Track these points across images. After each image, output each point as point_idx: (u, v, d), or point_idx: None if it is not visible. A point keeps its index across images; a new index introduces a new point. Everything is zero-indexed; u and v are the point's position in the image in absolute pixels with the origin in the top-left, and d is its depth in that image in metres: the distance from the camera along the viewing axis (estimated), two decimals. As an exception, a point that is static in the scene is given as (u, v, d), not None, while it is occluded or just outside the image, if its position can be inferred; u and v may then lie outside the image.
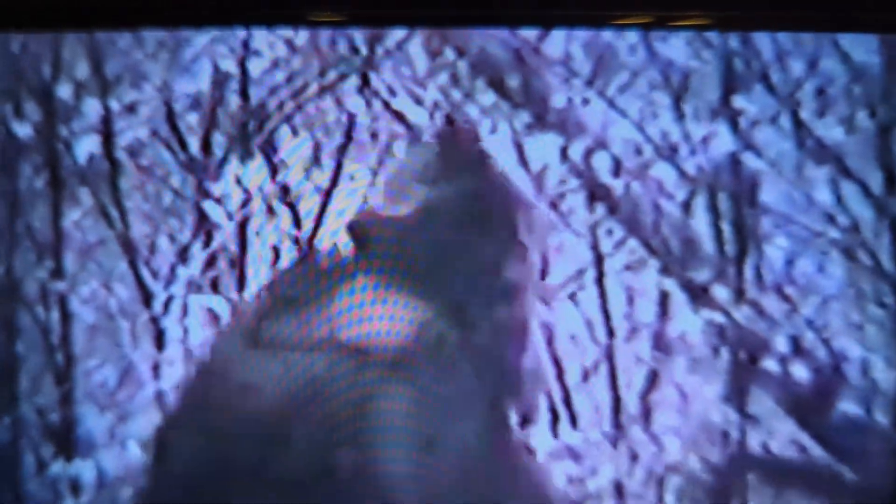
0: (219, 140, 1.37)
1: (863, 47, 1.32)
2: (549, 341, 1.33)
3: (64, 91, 1.38)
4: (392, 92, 1.35)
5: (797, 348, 1.32)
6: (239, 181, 1.36)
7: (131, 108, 1.38)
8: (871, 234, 1.32)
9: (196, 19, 1.34)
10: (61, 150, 1.38)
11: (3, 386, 1.37)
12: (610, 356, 1.32)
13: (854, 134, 1.32)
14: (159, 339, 1.37)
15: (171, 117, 1.37)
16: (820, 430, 1.31)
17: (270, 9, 1.34)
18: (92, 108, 1.38)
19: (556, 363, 1.33)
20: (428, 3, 1.31)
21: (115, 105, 1.38)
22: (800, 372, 1.32)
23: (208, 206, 1.36)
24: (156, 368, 1.37)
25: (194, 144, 1.37)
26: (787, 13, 1.30)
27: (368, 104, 1.35)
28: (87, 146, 1.38)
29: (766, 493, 1.31)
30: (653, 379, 1.32)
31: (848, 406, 1.31)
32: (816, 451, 1.31)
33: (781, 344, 1.32)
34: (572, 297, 1.33)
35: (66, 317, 1.38)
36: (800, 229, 1.32)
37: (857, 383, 1.31)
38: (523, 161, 1.33)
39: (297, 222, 1.35)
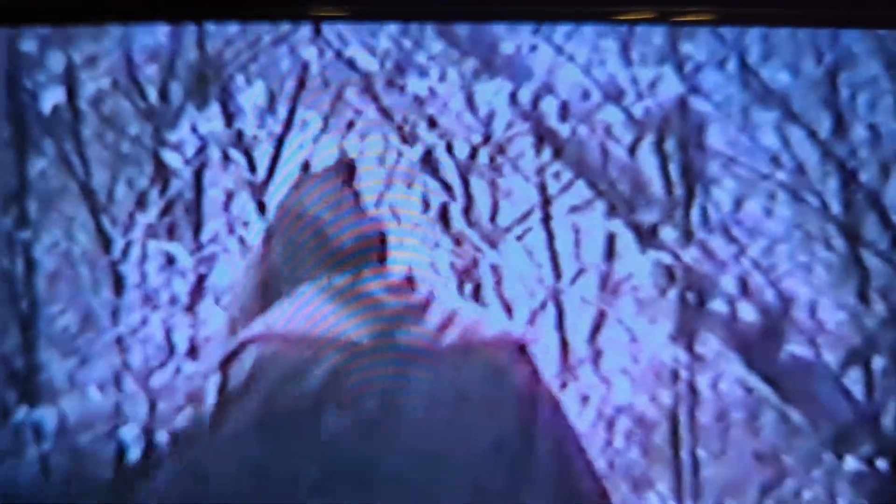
0: (176, 90, 1.39)
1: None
2: (498, 283, 1.34)
3: (29, 45, 1.41)
4: (343, 41, 1.37)
5: (745, 289, 1.32)
6: (195, 129, 1.38)
7: (92, 60, 1.41)
8: (817, 177, 1.33)
9: (199, 14, 1.37)
10: (27, 102, 1.41)
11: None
12: (557, 297, 1.33)
13: (800, 78, 1.33)
14: (118, 285, 1.39)
15: (130, 68, 1.40)
16: (767, 370, 1.31)
17: (273, 4, 1.36)
18: (56, 60, 1.41)
19: (505, 305, 1.34)
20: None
21: (77, 57, 1.41)
22: (747, 313, 1.32)
23: (165, 153, 1.39)
24: (115, 314, 1.39)
25: (153, 94, 1.40)
26: (787, 9, 1.31)
27: (321, 53, 1.37)
28: (51, 97, 1.41)
29: (714, 433, 1.32)
30: (600, 320, 1.33)
31: (795, 347, 1.32)
32: (764, 391, 1.31)
33: (729, 285, 1.32)
34: (520, 238, 1.34)
35: (30, 264, 1.41)
36: (746, 171, 1.33)
37: (804, 324, 1.32)
38: (472, 106, 1.35)
39: (251, 168, 1.38)
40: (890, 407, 1.30)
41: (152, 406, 1.38)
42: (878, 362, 1.31)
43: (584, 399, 1.33)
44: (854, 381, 1.31)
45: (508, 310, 1.34)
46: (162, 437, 1.36)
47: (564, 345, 1.33)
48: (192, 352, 1.38)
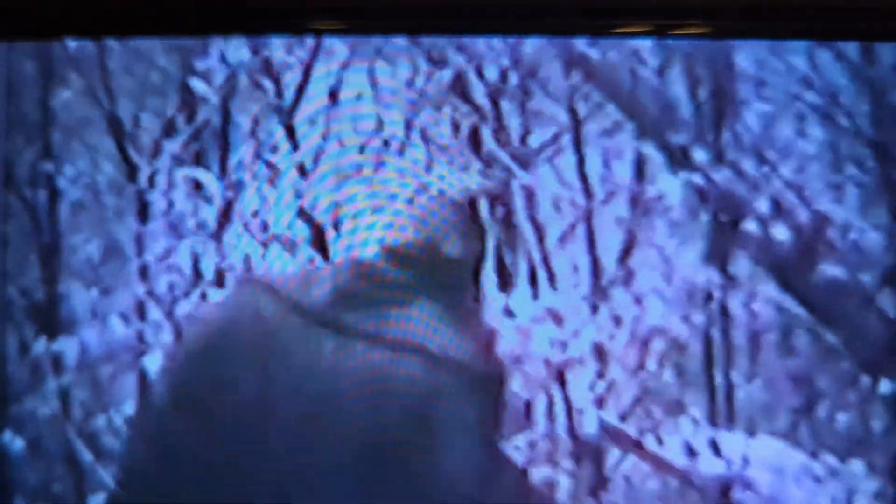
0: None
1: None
2: (529, 205, 1.33)
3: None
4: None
5: (777, 209, 1.32)
6: (223, 57, 1.38)
7: (119, -8, 1.40)
8: (848, 98, 1.33)
9: (198, 28, 1.38)
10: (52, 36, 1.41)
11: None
12: (588, 219, 1.33)
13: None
14: (143, 213, 1.38)
15: (158, -1, 1.40)
16: (801, 291, 1.30)
17: (275, 18, 1.37)
18: (81, -7, 1.41)
19: (536, 226, 1.33)
20: (429, 12, 1.33)
21: (103, -10, 1.40)
22: (780, 233, 1.31)
23: (193, 81, 1.38)
24: (139, 241, 1.38)
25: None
26: (783, 22, 1.32)
27: (350, -20, 1.38)
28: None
29: (748, 354, 1.30)
30: (631, 241, 1.32)
31: (829, 267, 1.31)
32: (797, 311, 1.30)
33: (761, 205, 1.32)
34: (550, 160, 1.34)
35: (54, 195, 1.39)
36: (777, 93, 1.33)
37: (837, 244, 1.31)
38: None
39: (279, 94, 1.37)
40: (926, 326, 1.29)
41: (178, 334, 1.36)
42: (912, 282, 1.30)
43: (617, 320, 1.32)
44: (888, 301, 1.30)
45: (538, 231, 1.33)
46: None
47: (596, 266, 1.32)
48: (219, 279, 1.36)
